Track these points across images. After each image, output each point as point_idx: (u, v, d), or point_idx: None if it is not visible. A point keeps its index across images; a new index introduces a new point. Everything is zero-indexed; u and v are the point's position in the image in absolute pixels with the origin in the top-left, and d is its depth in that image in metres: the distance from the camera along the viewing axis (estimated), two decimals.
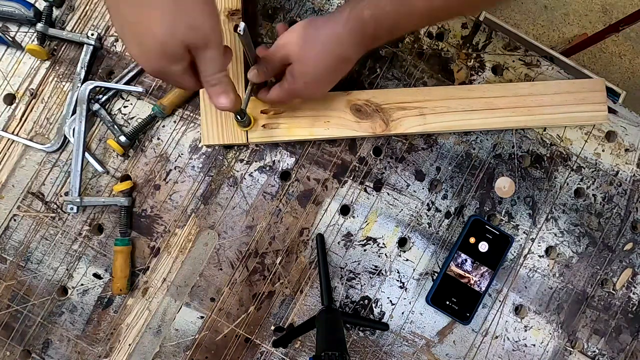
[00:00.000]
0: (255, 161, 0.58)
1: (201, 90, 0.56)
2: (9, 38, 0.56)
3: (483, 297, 0.56)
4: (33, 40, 0.57)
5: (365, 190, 0.58)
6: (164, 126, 0.58)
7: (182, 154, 0.58)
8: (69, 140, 0.56)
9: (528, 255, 0.59)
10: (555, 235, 0.59)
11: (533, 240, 0.59)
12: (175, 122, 0.58)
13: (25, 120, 0.57)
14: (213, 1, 0.41)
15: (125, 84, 0.57)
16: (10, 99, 0.58)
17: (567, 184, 0.60)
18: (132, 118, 0.58)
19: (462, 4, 0.45)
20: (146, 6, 0.35)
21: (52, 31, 0.56)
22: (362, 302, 0.58)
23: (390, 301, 0.58)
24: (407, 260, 0.58)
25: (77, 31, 0.58)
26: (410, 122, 0.57)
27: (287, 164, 0.58)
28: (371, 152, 0.59)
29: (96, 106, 0.56)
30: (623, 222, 0.60)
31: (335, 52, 0.46)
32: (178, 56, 0.38)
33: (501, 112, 0.57)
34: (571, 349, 0.58)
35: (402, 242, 0.59)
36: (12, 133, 0.57)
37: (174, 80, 0.41)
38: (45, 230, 0.57)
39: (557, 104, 0.58)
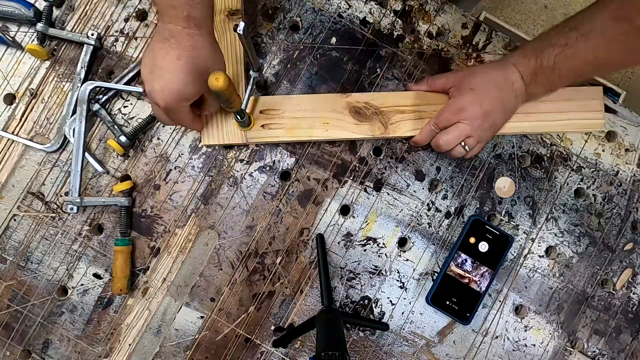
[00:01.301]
0: (255, 161, 0.58)
1: None
2: (9, 38, 0.56)
3: (483, 297, 0.56)
4: (33, 40, 0.57)
5: (365, 190, 0.58)
6: (164, 126, 0.58)
7: (182, 154, 0.58)
8: (69, 140, 0.56)
9: (528, 255, 0.59)
10: (556, 235, 0.59)
11: (533, 240, 0.59)
12: None
13: (25, 120, 0.57)
14: (223, 60, 0.49)
15: (125, 84, 0.57)
16: (10, 99, 0.58)
17: (567, 184, 0.60)
18: (132, 118, 0.58)
19: (627, 56, 0.48)
20: (174, 49, 0.44)
21: (52, 31, 0.56)
22: (362, 302, 0.58)
23: (390, 301, 0.58)
24: (407, 260, 0.58)
25: (77, 31, 0.58)
26: (409, 125, 0.57)
27: (287, 164, 0.58)
28: (371, 152, 0.59)
29: (96, 106, 0.56)
30: (623, 222, 0.60)
31: (499, 71, 0.52)
32: (190, 99, 0.47)
33: None
34: (571, 349, 0.58)
35: (402, 242, 0.59)
36: (12, 133, 0.57)
37: (175, 116, 0.48)
38: (45, 230, 0.57)
39: (555, 110, 0.58)
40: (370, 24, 0.59)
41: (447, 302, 0.56)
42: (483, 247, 0.57)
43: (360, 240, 0.58)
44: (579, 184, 0.60)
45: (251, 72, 0.54)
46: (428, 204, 0.59)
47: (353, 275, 0.58)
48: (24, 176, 0.57)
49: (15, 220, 0.57)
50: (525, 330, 0.58)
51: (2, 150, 0.57)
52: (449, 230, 0.59)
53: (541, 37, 0.51)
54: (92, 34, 0.56)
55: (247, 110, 0.55)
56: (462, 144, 0.53)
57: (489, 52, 0.60)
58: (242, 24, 0.43)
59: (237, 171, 0.58)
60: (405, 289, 0.58)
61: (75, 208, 0.56)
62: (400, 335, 0.58)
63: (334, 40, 0.59)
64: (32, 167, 0.57)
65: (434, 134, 0.55)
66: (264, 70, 0.58)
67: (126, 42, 0.58)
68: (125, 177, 0.57)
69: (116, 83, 0.57)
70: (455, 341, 0.58)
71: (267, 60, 0.59)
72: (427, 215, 0.59)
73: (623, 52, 0.47)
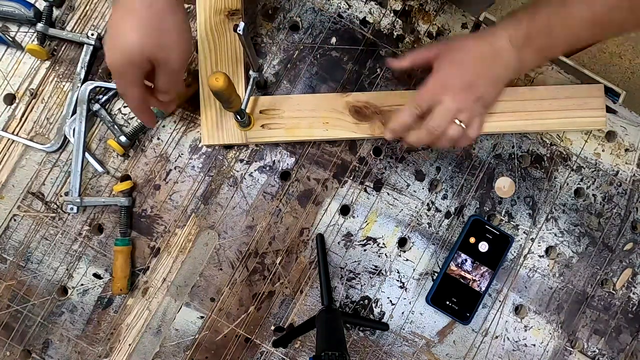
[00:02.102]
0: (255, 161, 0.58)
1: (201, 91, 0.56)
2: (9, 38, 0.56)
3: (483, 297, 0.56)
4: (33, 40, 0.57)
5: (365, 190, 0.58)
6: (164, 126, 0.58)
7: (182, 154, 0.58)
8: (69, 140, 0.56)
9: (528, 255, 0.59)
10: (555, 235, 0.59)
11: (533, 240, 0.59)
12: (175, 122, 0.58)
13: (25, 120, 0.57)
14: (189, 29, 0.45)
15: None
16: (10, 99, 0.58)
17: (567, 184, 0.60)
18: (132, 118, 0.58)
19: (630, 15, 0.43)
20: (129, 12, 0.41)
21: (52, 31, 0.56)
22: (362, 302, 0.58)
23: (390, 301, 0.58)
24: (407, 260, 0.58)
25: (77, 31, 0.58)
26: None
27: (287, 164, 0.58)
28: (371, 152, 0.59)
29: (96, 106, 0.56)
30: (623, 222, 0.60)
31: (484, 39, 0.47)
32: (137, 64, 0.42)
33: (500, 116, 0.57)
34: (571, 349, 0.58)
35: (402, 242, 0.59)
36: (12, 133, 0.57)
37: (124, 86, 0.44)
38: (45, 230, 0.57)
39: (556, 109, 0.58)
40: (370, 24, 0.59)
41: (447, 302, 0.56)
42: (483, 247, 0.57)
43: (360, 240, 0.58)
44: (578, 184, 0.60)
45: (251, 72, 0.54)
46: (428, 204, 0.59)
47: (353, 275, 0.58)
48: (24, 176, 0.57)
49: (15, 220, 0.57)
50: (525, 330, 0.58)
51: (2, 150, 0.57)
52: (449, 230, 0.59)
53: None
54: (92, 34, 0.56)
55: (247, 110, 0.55)
56: (457, 121, 0.47)
57: None
58: (242, 24, 0.43)
59: (237, 171, 0.58)
60: (405, 289, 0.58)
61: (75, 208, 0.56)
62: (400, 335, 0.58)
63: (334, 40, 0.59)
64: (32, 167, 0.57)
65: (414, 117, 0.48)
66: (264, 70, 0.58)
67: None
68: (125, 177, 0.57)
69: None
70: (455, 341, 0.58)
71: (267, 60, 0.59)
72: (427, 215, 0.59)
73: (624, 10, 0.42)
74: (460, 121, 0.47)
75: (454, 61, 0.48)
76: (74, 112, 0.56)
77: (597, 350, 0.59)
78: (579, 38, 0.46)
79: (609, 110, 0.60)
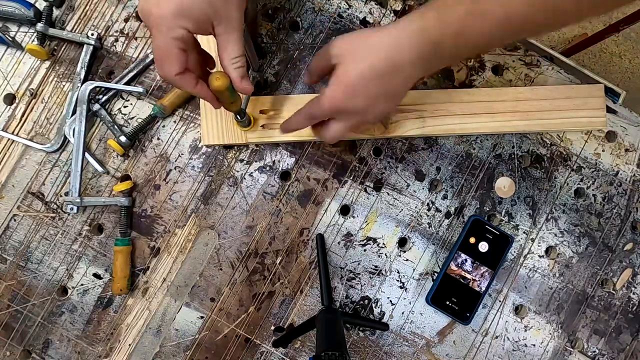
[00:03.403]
0: (255, 161, 0.58)
1: None
2: (9, 38, 0.56)
3: (483, 297, 0.56)
4: (33, 40, 0.57)
5: (365, 190, 0.58)
6: (164, 126, 0.58)
7: (182, 154, 0.58)
8: (69, 140, 0.56)
9: (528, 255, 0.59)
10: (555, 235, 0.59)
11: (533, 240, 0.59)
12: (175, 122, 0.58)
13: (25, 120, 0.57)
14: None
15: (125, 84, 0.57)
16: (10, 99, 0.58)
17: (567, 184, 0.60)
18: (132, 118, 0.58)
19: (548, 17, 0.37)
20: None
21: (52, 31, 0.56)
22: (362, 302, 0.58)
23: (390, 301, 0.58)
24: (407, 260, 0.58)
25: (77, 31, 0.58)
26: (409, 125, 0.57)
27: (287, 164, 0.58)
28: (371, 152, 0.59)
29: (96, 106, 0.56)
30: (623, 222, 0.60)
31: (387, 53, 0.40)
32: (193, 18, 0.36)
33: (500, 116, 0.57)
34: (571, 349, 0.58)
35: (402, 242, 0.59)
36: (12, 133, 0.57)
37: (165, 50, 0.37)
38: (45, 230, 0.57)
39: (556, 109, 0.58)
40: (370, 24, 0.59)
41: (447, 302, 0.56)
42: (483, 247, 0.57)
43: (360, 240, 0.58)
44: (579, 184, 0.60)
45: (251, 72, 0.54)
46: (428, 204, 0.59)
47: (353, 275, 0.58)
48: (24, 176, 0.57)
49: (15, 220, 0.57)
50: (525, 330, 0.58)
51: (2, 150, 0.57)
52: (449, 230, 0.59)
53: None
54: (92, 34, 0.56)
55: (247, 110, 0.55)
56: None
57: (488, 52, 0.60)
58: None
59: (237, 171, 0.58)
60: (405, 289, 0.58)
61: (75, 208, 0.56)
62: (400, 335, 0.58)
63: None
64: (32, 167, 0.57)
65: (308, 125, 0.48)
66: (264, 70, 0.58)
67: (126, 42, 0.58)
68: (125, 177, 0.57)
69: (116, 83, 0.57)
70: (455, 341, 0.58)
71: (267, 60, 0.59)
72: (427, 215, 0.59)
73: (542, 9, 0.36)
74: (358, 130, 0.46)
75: (349, 84, 0.42)
76: (74, 112, 0.56)
77: (597, 351, 0.59)
78: (493, 40, 0.41)
79: (609, 110, 0.60)
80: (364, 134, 0.57)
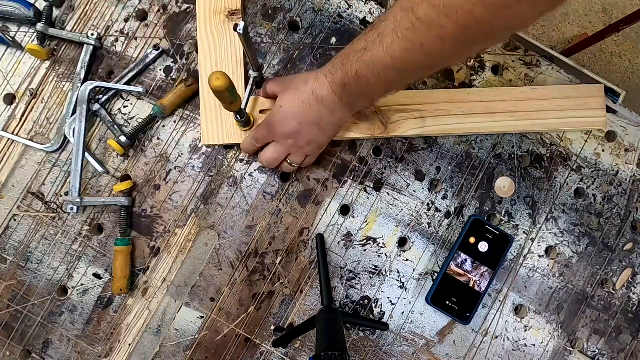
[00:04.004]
0: (255, 161, 0.58)
1: (201, 91, 0.56)
2: (9, 38, 0.56)
3: (483, 297, 0.56)
4: (33, 40, 0.57)
5: (365, 190, 0.58)
6: (164, 126, 0.58)
7: (182, 154, 0.58)
8: (69, 140, 0.56)
9: (528, 255, 0.59)
10: (555, 235, 0.59)
11: (533, 240, 0.59)
12: (175, 122, 0.58)
13: (25, 120, 0.57)
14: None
15: (125, 84, 0.57)
16: (10, 99, 0.58)
17: (567, 184, 0.60)
18: (132, 118, 0.58)
19: (422, 58, 0.40)
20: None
21: (52, 31, 0.56)
22: (362, 302, 0.58)
23: (390, 301, 0.58)
24: (407, 260, 0.58)
25: (77, 31, 0.58)
26: (409, 124, 0.57)
27: None
28: (371, 152, 0.59)
29: (96, 106, 0.56)
30: (623, 222, 0.60)
31: (311, 86, 0.48)
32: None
33: (500, 116, 0.57)
34: (571, 349, 0.58)
35: (402, 242, 0.59)
36: (12, 133, 0.57)
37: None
38: (45, 230, 0.57)
39: (556, 109, 0.58)
40: (370, 24, 0.59)
41: (447, 302, 0.56)
42: (483, 247, 0.57)
43: (360, 240, 0.58)
44: (578, 184, 0.60)
45: (251, 72, 0.54)
46: (428, 204, 0.59)
47: (353, 275, 0.58)
48: (24, 176, 0.57)
49: (15, 220, 0.57)
50: (525, 330, 0.58)
51: (2, 150, 0.57)
52: (449, 230, 0.59)
53: (352, 41, 0.45)
54: (92, 34, 0.56)
55: (247, 110, 0.55)
56: (288, 161, 0.53)
57: (488, 52, 0.60)
58: (242, 24, 0.43)
59: (237, 171, 0.58)
60: (405, 289, 0.58)
61: (75, 208, 0.56)
62: (400, 335, 0.58)
63: (334, 40, 0.59)
64: (32, 167, 0.57)
65: (255, 147, 0.54)
66: (264, 70, 0.58)
67: (126, 42, 0.58)
68: (125, 177, 0.57)
69: (116, 83, 0.57)
70: (455, 341, 0.58)
71: (267, 60, 0.59)
72: (427, 215, 0.59)
73: (416, 51, 0.39)
74: (290, 162, 0.53)
75: (282, 111, 0.50)
76: (74, 112, 0.56)
77: (597, 351, 0.59)
78: (391, 83, 0.45)
79: (609, 110, 0.60)
80: (363, 133, 0.57)
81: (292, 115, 0.49)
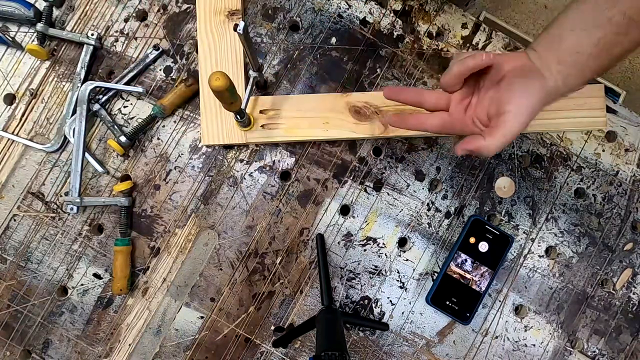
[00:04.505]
0: (255, 161, 0.58)
1: (201, 91, 0.56)
2: (9, 38, 0.56)
3: (483, 297, 0.56)
4: (33, 40, 0.57)
5: (365, 190, 0.58)
6: (164, 126, 0.58)
7: (182, 154, 0.58)
8: (69, 140, 0.56)
9: (528, 255, 0.59)
10: (555, 235, 0.59)
11: (533, 240, 0.59)
12: (175, 122, 0.58)
13: (25, 120, 0.57)
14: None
15: (125, 84, 0.57)
16: (10, 99, 0.58)
17: (567, 184, 0.60)
18: (132, 118, 0.58)
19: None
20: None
21: (52, 31, 0.56)
22: (362, 302, 0.58)
23: (390, 301, 0.58)
24: (407, 260, 0.58)
25: (77, 31, 0.58)
26: None
27: (287, 164, 0.58)
28: (371, 152, 0.59)
29: (96, 106, 0.56)
30: (623, 222, 0.60)
31: (543, 97, 0.42)
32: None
33: None
34: (571, 349, 0.58)
35: (402, 242, 0.59)
36: (12, 133, 0.57)
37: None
38: (45, 230, 0.57)
39: (556, 109, 0.58)
40: (370, 24, 0.59)
41: (447, 302, 0.56)
42: (483, 247, 0.57)
43: (360, 240, 0.58)
44: (579, 184, 0.60)
45: (251, 72, 0.54)
46: (428, 204, 0.59)
47: (353, 275, 0.58)
48: (24, 176, 0.57)
49: (15, 220, 0.57)
50: (525, 330, 0.58)
51: (2, 150, 0.57)
52: (449, 230, 0.59)
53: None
54: (92, 34, 0.56)
55: (247, 110, 0.55)
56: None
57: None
58: (241, 24, 0.43)
59: (237, 171, 0.58)
60: (405, 289, 0.58)
61: (75, 208, 0.56)
62: (400, 335, 0.58)
63: (334, 40, 0.59)
64: (32, 167, 0.57)
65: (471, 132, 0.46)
66: (264, 70, 0.58)
67: (126, 42, 0.58)
68: (125, 177, 0.57)
69: (116, 83, 0.57)
70: (455, 341, 0.58)
71: (267, 60, 0.59)
72: (427, 215, 0.59)
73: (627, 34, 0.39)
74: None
75: (521, 119, 0.44)
76: (74, 112, 0.56)
77: (597, 351, 0.59)
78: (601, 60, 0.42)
79: (609, 110, 0.60)
80: (363, 133, 0.57)
81: (522, 125, 0.43)
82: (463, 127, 0.46)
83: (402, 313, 0.58)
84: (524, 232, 0.59)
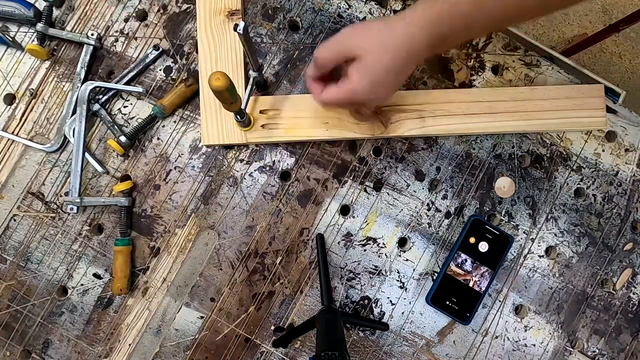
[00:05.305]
0: (255, 161, 0.58)
1: (201, 91, 0.56)
2: (9, 38, 0.56)
3: (483, 297, 0.56)
4: (33, 40, 0.57)
5: (365, 190, 0.58)
6: (164, 126, 0.58)
7: (182, 154, 0.58)
8: (69, 140, 0.56)
9: (528, 255, 0.59)
10: (555, 235, 0.59)
11: (533, 240, 0.59)
12: (175, 122, 0.58)
13: (25, 120, 0.57)
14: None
15: (125, 84, 0.57)
16: (10, 99, 0.58)
17: (567, 184, 0.60)
18: (132, 118, 0.58)
19: (536, 5, 0.42)
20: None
21: (52, 31, 0.56)
22: (362, 302, 0.58)
23: (390, 301, 0.58)
24: (407, 260, 0.58)
25: (77, 31, 0.58)
26: (409, 124, 0.57)
27: (287, 164, 0.58)
28: (371, 152, 0.59)
29: (96, 106, 0.56)
30: (623, 222, 0.60)
31: (408, 51, 0.44)
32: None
33: (500, 116, 0.57)
34: (571, 349, 0.58)
35: (402, 242, 0.59)
36: (12, 133, 0.57)
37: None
38: (45, 230, 0.57)
39: (556, 109, 0.58)
40: None
41: (447, 302, 0.56)
42: (483, 247, 0.57)
43: (360, 240, 0.58)
44: (578, 184, 0.60)
45: (251, 72, 0.54)
46: (428, 204, 0.59)
47: (353, 275, 0.58)
48: (24, 176, 0.57)
49: (15, 220, 0.57)
50: (525, 330, 0.58)
51: (2, 150, 0.57)
52: (449, 230, 0.59)
53: None
54: (92, 34, 0.56)
55: (247, 110, 0.55)
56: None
57: (488, 52, 0.60)
58: (242, 24, 0.43)
59: (237, 171, 0.58)
60: (405, 289, 0.58)
61: (75, 208, 0.56)
62: (400, 335, 0.58)
63: None
64: (32, 167, 0.57)
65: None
66: (264, 70, 0.58)
67: (126, 42, 0.58)
68: (125, 177, 0.57)
69: (116, 83, 0.57)
70: (455, 341, 0.58)
71: (267, 60, 0.59)
72: (427, 215, 0.59)
73: None
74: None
75: (375, 77, 0.47)
76: (74, 112, 0.56)
77: (597, 351, 0.59)
78: (486, 28, 0.46)
79: (609, 110, 0.60)
80: (363, 133, 0.57)
81: (383, 82, 0.46)
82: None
83: (402, 313, 0.58)
84: (524, 232, 0.59)
